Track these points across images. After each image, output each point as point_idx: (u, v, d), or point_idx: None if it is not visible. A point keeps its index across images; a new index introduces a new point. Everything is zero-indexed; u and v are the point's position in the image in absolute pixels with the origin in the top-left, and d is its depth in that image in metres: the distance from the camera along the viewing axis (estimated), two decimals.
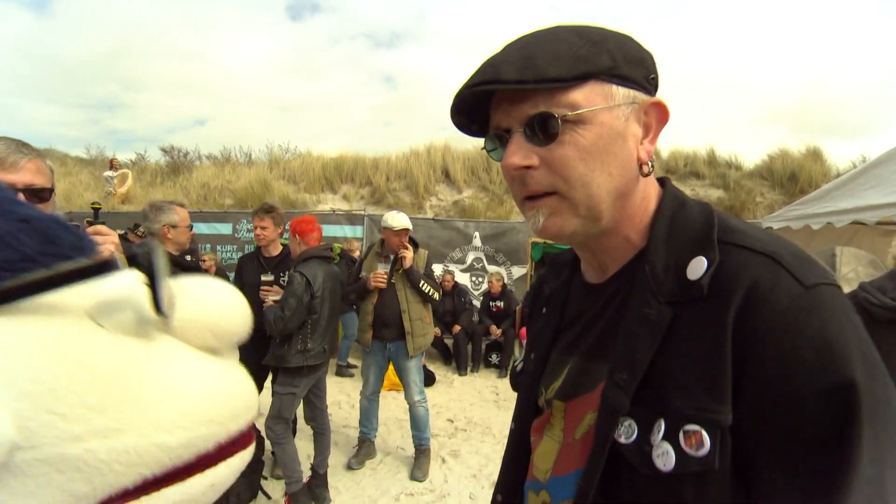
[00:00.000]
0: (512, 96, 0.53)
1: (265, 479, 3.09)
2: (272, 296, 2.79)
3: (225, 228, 7.74)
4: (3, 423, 0.20)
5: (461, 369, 5.88)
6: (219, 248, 7.33)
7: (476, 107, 0.57)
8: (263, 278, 2.90)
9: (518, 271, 6.76)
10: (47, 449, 0.21)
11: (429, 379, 5.23)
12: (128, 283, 0.26)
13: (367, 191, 9.43)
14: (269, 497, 2.92)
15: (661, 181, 0.63)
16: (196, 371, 0.28)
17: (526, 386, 0.71)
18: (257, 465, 2.96)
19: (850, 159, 9.42)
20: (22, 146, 1.28)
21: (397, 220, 3.15)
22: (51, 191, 1.30)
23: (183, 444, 0.25)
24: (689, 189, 9.25)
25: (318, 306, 2.68)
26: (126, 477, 0.23)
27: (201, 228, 7.78)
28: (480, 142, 0.61)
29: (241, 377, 0.30)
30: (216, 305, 0.31)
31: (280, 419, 2.70)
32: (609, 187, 0.54)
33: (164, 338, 0.28)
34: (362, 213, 7.44)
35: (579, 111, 0.51)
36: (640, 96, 0.55)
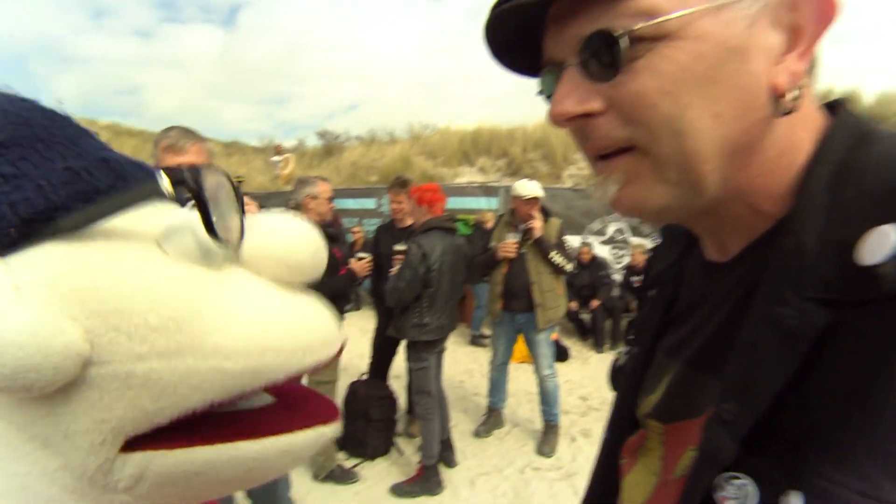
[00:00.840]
0: (564, 11, 0.37)
1: (398, 435, 3.29)
2: (398, 265, 2.87)
3: (370, 203, 8.33)
4: (77, 337, 0.22)
5: (598, 346, 5.57)
6: (364, 221, 7.90)
7: (524, 34, 0.40)
8: (396, 247, 3.01)
9: None
10: (116, 365, 0.23)
11: (562, 354, 5.05)
12: (191, 212, 0.27)
13: (504, 162, 9.33)
14: (401, 453, 3.10)
15: (831, 108, 0.41)
16: (262, 299, 0.27)
17: (624, 389, 0.56)
18: (390, 423, 3.16)
19: None
20: (188, 133, 1.49)
21: (526, 188, 3.02)
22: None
23: (245, 372, 0.24)
24: None
25: (434, 280, 2.64)
26: (190, 400, 0.24)
27: (349, 204, 8.49)
28: None
29: (317, 310, 0.29)
30: (287, 237, 0.30)
31: (422, 393, 2.75)
32: (717, 136, 0.35)
33: (232, 268, 0.28)
34: (498, 184, 7.38)
35: (661, 19, 0.33)
36: None
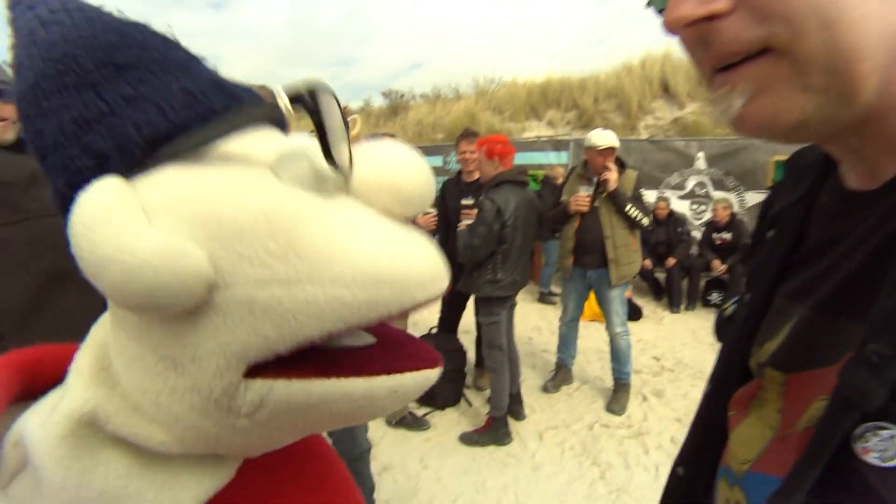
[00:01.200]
0: None
1: (467, 387, 3.38)
2: (466, 220, 2.83)
3: (436, 161, 8.31)
4: (202, 260, 0.22)
5: (673, 306, 5.33)
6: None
7: None
8: (463, 202, 2.98)
9: (754, 197, 5.59)
10: (239, 290, 0.23)
11: (635, 313, 4.89)
12: (303, 138, 0.27)
13: (574, 115, 8.89)
14: (470, 404, 3.19)
15: None
16: (378, 230, 0.26)
17: (733, 338, 0.51)
18: (460, 375, 3.24)
19: None
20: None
21: (601, 137, 2.85)
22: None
23: (362, 303, 0.24)
24: None
25: (509, 235, 2.59)
26: (309, 329, 0.23)
27: None
28: None
29: (427, 246, 0.28)
30: (397, 167, 0.29)
31: (493, 347, 2.76)
32: (882, 25, 0.29)
33: (344, 197, 0.28)
34: (568, 138, 7.07)
35: None
36: None
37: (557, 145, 6.95)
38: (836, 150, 0.39)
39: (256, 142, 0.28)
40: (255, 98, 0.31)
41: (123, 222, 0.22)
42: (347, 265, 0.24)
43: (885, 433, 0.28)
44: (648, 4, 0.38)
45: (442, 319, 3.49)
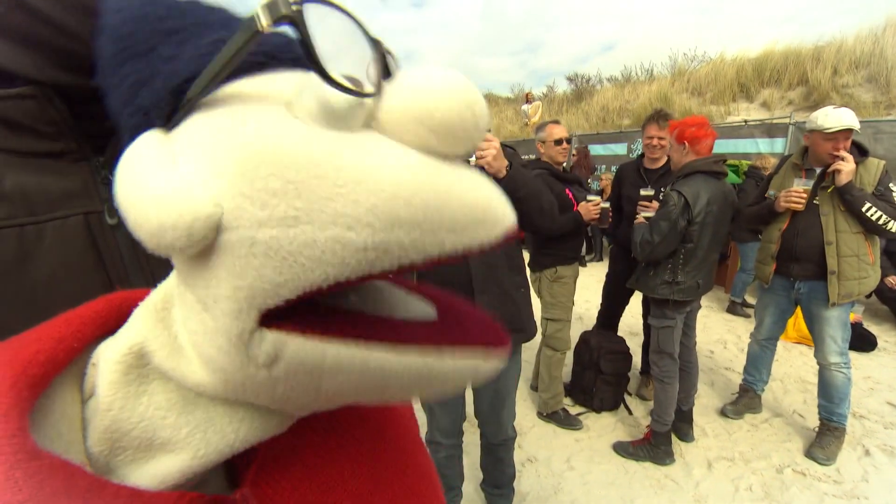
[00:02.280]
0: None
1: (629, 395, 3.10)
2: (646, 213, 2.50)
3: (620, 149, 7.75)
4: (205, 199, 0.22)
5: None
6: (614, 168, 7.43)
7: None
8: (643, 192, 2.68)
9: None
10: (242, 231, 0.22)
11: (865, 342, 3.87)
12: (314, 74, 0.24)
13: (800, 92, 7.35)
14: (630, 412, 2.92)
15: None
16: (398, 164, 0.23)
17: None
18: (622, 380, 2.99)
19: None
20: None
21: (832, 117, 2.25)
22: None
23: (370, 246, 0.21)
24: None
25: (695, 234, 2.23)
26: (312, 273, 0.22)
27: (597, 150, 8.07)
28: None
29: (474, 183, 0.23)
30: (428, 92, 0.24)
31: (663, 354, 2.48)
32: None
33: (369, 132, 0.25)
34: (787, 121, 5.87)
35: None
36: None
37: (771, 130, 5.84)
38: None
39: (276, 81, 0.28)
40: (287, 43, 0.30)
41: (142, 168, 0.24)
42: (352, 202, 0.21)
43: None
44: None
45: (601, 314, 3.26)
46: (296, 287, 0.22)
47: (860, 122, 2.32)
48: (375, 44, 0.25)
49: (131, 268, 0.44)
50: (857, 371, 2.52)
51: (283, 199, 0.22)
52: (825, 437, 2.55)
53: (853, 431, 2.66)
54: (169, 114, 0.27)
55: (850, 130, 2.24)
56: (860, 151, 2.33)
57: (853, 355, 2.53)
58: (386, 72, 0.25)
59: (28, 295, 0.38)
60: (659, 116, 2.78)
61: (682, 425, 2.64)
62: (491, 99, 15.33)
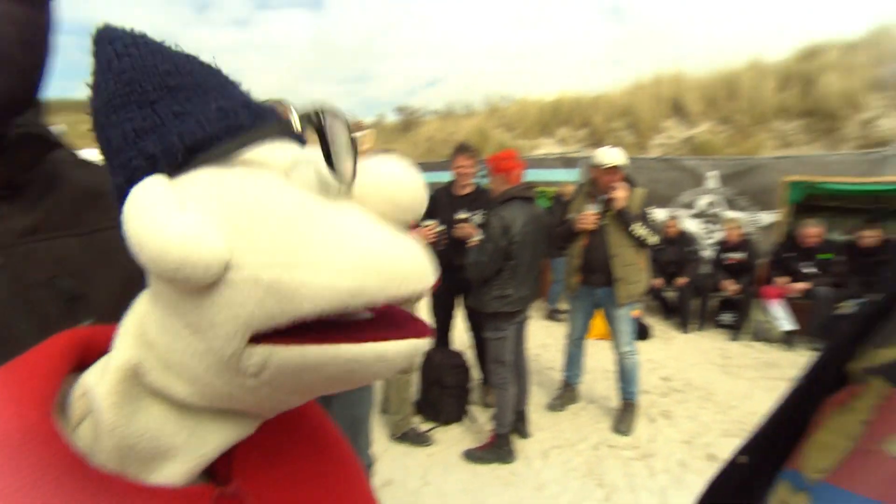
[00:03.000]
0: None
1: (472, 404, 3.36)
2: (475, 235, 2.83)
3: (445, 177, 8.36)
4: (221, 244, 0.27)
5: (683, 326, 5.27)
6: None
7: None
8: (459, 216, 2.99)
9: (766, 218, 5.55)
10: (248, 271, 0.27)
11: (643, 332, 4.84)
12: (315, 150, 0.32)
13: (585, 133, 8.92)
14: (474, 421, 3.17)
15: None
16: (371, 229, 0.31)
17: (841, 337, 0.48)
18: (464, 391, 3.22)
19: None
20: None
21: (607, 155, 2.86)
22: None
23: (352, 291, 0.28)
24: None
25: (516, 252, 2.60)
26: (304, 307, 0.27)
27: (426, 178, 8.56)
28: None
29: (416, 246, 0.32)
30: (394, 177, 0.34)
31: (498, 363, 2.76)
32: None
33: (350, 203, 0.32)
34: (578, 155, 7.09)
35: None
36: None
37: (568, 163, 6.97)
38: None
39: (274, 151, 0.34)
40: (277, 116, 0.36)
41: (162, 209, 0.27)
42: (339, 254, 0.28)
43: None
44: None
45: (435, 333, 3.49)
46: (289, 317, 0.28)
47: (627, 159, 2.98)
48: (353, 140, 0.33)
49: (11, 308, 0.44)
50: (640, 355, 3.16)
51: (286, 247, 0.28)
52: (625, 413, 3.13)
53: (642, 404, 3.30)
54: (178, 165, 0.31)
55: (619, 166, 2.86)
56: (629, 183, 2.97)
57: (637, 343, 3.17)
58: (355, 152, 0.33)
59: None
60: (464, 149, 3.14)
61: (520, 424, 2.97)
62: None
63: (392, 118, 13.95)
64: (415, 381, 3.13)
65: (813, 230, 4.86)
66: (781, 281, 4.89)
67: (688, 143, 7.70)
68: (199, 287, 0.28)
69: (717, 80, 8.14)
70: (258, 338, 0.29)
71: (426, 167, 8.75)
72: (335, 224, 0.30)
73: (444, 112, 13.11)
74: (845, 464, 0.40)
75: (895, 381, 0.39)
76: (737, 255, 5.19)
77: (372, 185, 0.33)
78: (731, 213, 5.69)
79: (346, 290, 0.28)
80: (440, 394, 3.13)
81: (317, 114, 0.32)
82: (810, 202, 5.36)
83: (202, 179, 0.30)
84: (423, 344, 0.34)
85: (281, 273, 0.27)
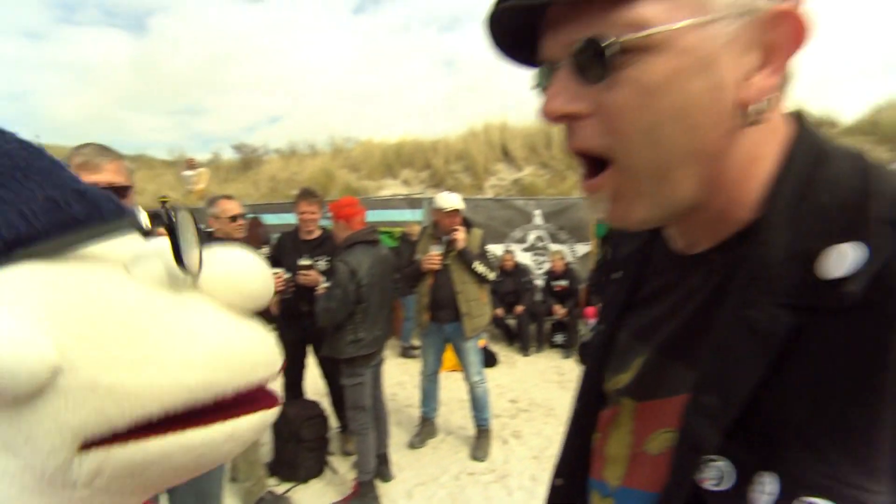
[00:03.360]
0: (561, 15, 0.38)
1: (331, 454, 3.24)
2: (321, 283, 2.82)
3: (291, 218, 8.07)
4: (48, 347, 0.24)
5: (524, 350, 5.80)
6: None
7: (521, 31, 0.41)
8: (300, 262, 2.97)
9: (582, 249, 6.52)
10: (83, 373, 0.24)
11: (492, 360, 5.20)
12: (159, 242, 0.31)
13: (427, 174, 9.46)
14: (335, 472, 3.05)
15: (795, 121, 0.44)
16: (218, 321, 0.30)
17: (590, 364, 0.59)
18: (323, 443, 3.10)
19: None
20: (104, 150, 1.42)
21: (446, 200, 3.12)
22: (128, 188, 1.47)
23: (202, 386, 0.27)
24: None
25: (366, 294, 2.65)
26: (150, 408, 0.25)
27: (270, 219, 8.21)
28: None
29: (262, 334, 0.32)
30: (240, 266, 0.34)
31: (357, 409, 2.72)
32: (690, 148, 0.37)
33: (192, 293, 0.31)
34: (422, 196, 7.49)
35: (648, 32, 0.35)
36: (760, 2, 0.36)
37: (413, 203, 7.31)
38: (670, 227, 0.49)
39: (113, 244, 0.32)
40: (116, 206, 0.33)
41: None
42: (186, 350, 0.27)
43: (716, 465, 0.37)
44: (534, 87, 0.46)
45: (285, 384, 3.32)
46: (131, 419, 0.26)
47: (465, 199, 3.27)
48: (200, 233, 0.34)
49: None
50: (489, 382, 3.41)
51: (129, 346, 0.26)
52: (480, 439, 3.32)
53: (494, 428, 3.53)
54: None
55: (458, 210, 3.13)
56: (467, 224, 3.26)
57: (486, 371, 3.42)
58: (200, 242, 0.34)
59: None
60: (307, 194, 3.17)
61: (382, 468, 2.95)
62: (144, 161, 13.47)
63: (230, 155, 13.08)
64: (266, 440, 2.92)
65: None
66: (597, 301, 5.74)
67: (517, 184, 8.68)
68: (17, 398, 0.24)
69: (536, 130, 9.38)
70: (90, 443, 0.26)
71: (270, 208, 8.36)
72: (180, 319, 0.29)
73: (287, 151, 12.75)
74: (629, 468, 0.49)
75: (637, 398, 0.49)
76: (562, 283, 5.95)
77: (219, 276, 0.33)
78: (555, 246, 6.53)
79: (194, 386, 0.27)
80: (297, 449, 2.96)
81: (166, 211, 0.31)
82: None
83: (27, 275, 0.27)
84: (273, 414, 0.34)
85: (124, 374, 0.25)
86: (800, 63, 0.39)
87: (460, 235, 3.08)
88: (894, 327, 0.31)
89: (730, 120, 0.38)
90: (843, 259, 0.33)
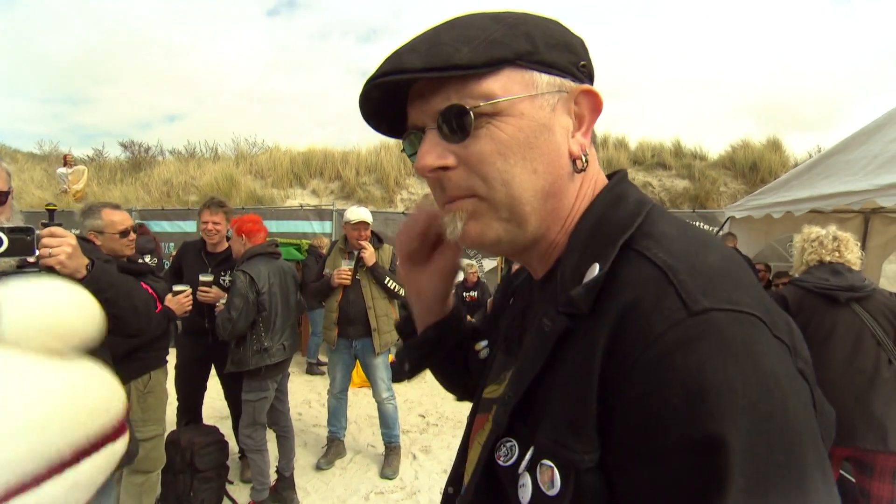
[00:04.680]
0: (423, 90, 0.48)
1: (231, 483, 3.02)
2: (220, 300, 2.67)
3: (189, 226, 7.51)
4: None
5: None
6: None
7: (389, 104, 0.51)
8: (202, 278, 2.77)
9: (489, 264, 6.78)
10: None
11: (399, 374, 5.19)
12: None
13: (337, 185, 9.28)
14: (234, 503, 2.85)
15: (616, 175, 0.56)
16: (33, 377, 0.25)
17: (483, 378, 0.68)
18: (222, 471, 2.88)
19: (807, 150, 9.83)
20: None
21: (354, 213, 3.08)
22: (7, 194, 1.32)
23: (27, 455, 0.22)
24: (656, 179, 9.41)
25: (266, 302, 2.58)
26: None
27: (164, 226, 7.56)
28: None
29: (91, 374, 0.27)
30: (54, 307, 0.28)
31: (256, 425, 2.62)
32: (534, 186, 0.48)
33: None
34: (331, 208, 7.31)
35: (495, 101, 0.46)
36: (569, 84, 0.49)
37: (321, 214, 7.13)
38: (520, 259, 0.59)
39: None
40: None
41: None
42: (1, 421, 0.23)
43: (507, 444, 0.47)
44: (403, 151, 0.56)
45: (179, 408, 3.04)
46: None
47: (376, 212, 3.26)
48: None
49: None
50: (399, 398, 3.40)
51: None
52: (389, 456, 3.29)
53: (404, 444, 3.52)
54: None
55: (366, 223, 3.10)
56: (378, 239, 3.25)
57: (395, 387, 3.40)
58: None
59: None
60: (212, 203, 2.94)
61: (287, 492, 2.81)
62: (7, 153, 11.70)
63: (117, 154, 11.81)
64: (153, 477, 2.65)
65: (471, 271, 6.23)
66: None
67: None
68: None
69: None
70: None
71: (163, 215, 7.69)
72: None
73: (183, 153, 11.81)
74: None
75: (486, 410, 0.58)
76: (472, 294, 6.11)
77: (21, 322, 0.27)
78: (465, 260, 6.71)
79: (29, 454, 0.23)
80: (191, 482, 2.72)
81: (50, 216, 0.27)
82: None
83: None
84: (121, 444, 0.30)
85: None
86: (599, 128, 0.55)
87: (368, 252, 3.06)
88: (603, 326, 0.40)
89: (565, 167, 0.50)
90: (590, 275, 0.44)
